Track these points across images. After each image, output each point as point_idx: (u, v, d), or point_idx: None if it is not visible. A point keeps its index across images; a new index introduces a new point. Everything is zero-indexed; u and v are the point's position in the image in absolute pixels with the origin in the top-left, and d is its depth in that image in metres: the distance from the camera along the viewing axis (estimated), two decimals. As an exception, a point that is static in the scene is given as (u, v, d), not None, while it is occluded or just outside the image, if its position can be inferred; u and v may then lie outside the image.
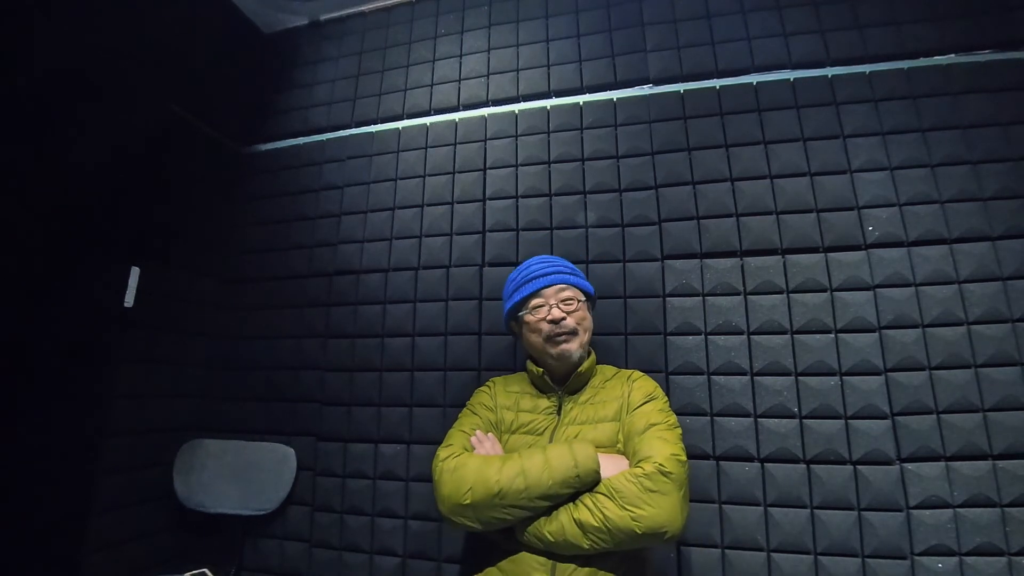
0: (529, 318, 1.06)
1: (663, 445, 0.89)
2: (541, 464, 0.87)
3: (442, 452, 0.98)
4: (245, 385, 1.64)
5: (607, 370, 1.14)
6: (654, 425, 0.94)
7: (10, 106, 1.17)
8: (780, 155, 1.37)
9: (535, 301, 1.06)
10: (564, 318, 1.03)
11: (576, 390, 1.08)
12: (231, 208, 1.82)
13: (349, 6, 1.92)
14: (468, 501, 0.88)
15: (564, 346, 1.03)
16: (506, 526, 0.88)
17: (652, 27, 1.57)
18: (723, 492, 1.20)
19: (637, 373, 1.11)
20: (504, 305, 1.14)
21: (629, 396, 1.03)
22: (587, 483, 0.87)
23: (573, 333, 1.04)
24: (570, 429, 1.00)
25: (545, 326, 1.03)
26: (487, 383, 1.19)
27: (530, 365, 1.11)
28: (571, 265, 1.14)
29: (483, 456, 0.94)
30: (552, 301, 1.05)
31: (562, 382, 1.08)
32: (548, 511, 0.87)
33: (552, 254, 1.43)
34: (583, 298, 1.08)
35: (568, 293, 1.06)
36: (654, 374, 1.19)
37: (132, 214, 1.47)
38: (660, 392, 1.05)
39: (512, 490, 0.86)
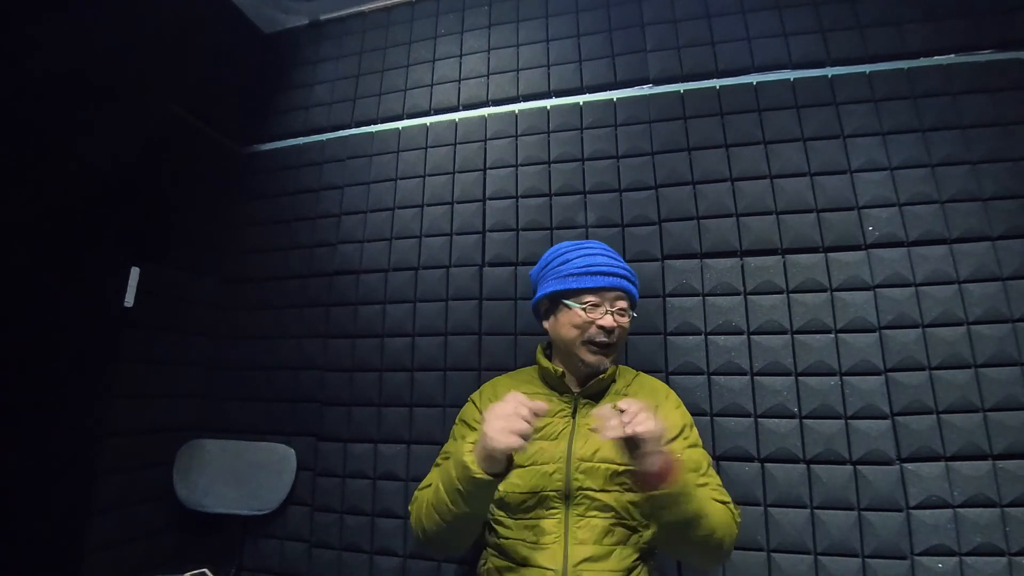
0: (579, 313, 0.95)
1: (727, 496, 0.88)
2: (437, 492, 0.82)
3: (414, 494, 0.95)
4: (245, 385, 1.64)
5: (626, 373, 1.08)
6: (700, 473, 0.89)
7: (10, 106, 1.17)
8: (780, 155, 1.37)
9: (592, 299, 0.95)
10: (615, 329, 0.95)
11: (594, 394, 1.00)
12: (231, 208, 1.81)
13: (349, 6, 1.92)
14: (436, 544, 0.87)
15: (598, 357, 0.96)
16: (468, 537, 0.88)
17: (652, 27, 1.57)
18: (723, 492, 1.20)
19: (660, 383, 1.06)
20: (544, 280, 1.02)
21: (664, 412, 0.96)
22: (477, 484, 0.76)
23: (613, 346, 0.96)
24: (591, 441, 0.92)
25: (593, 329, 0.94)
26: (481, 388, 1.09)
27: (544, 362, 1.02)
28: (630, 268, 1.03)
29: (432, 492, 0.85)
30: (609, 306, 0.95)
31: (580, 384, 1.01)
32: (468, 520, 0.82)
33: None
34: (634, 313, 1.01)
35: (624, 303, 0.97)
36: (654, 374, 1.19)
37: (132, 214, 1.47)
38: (690, 419, 1.00)
39: (442, 526, 0.82)
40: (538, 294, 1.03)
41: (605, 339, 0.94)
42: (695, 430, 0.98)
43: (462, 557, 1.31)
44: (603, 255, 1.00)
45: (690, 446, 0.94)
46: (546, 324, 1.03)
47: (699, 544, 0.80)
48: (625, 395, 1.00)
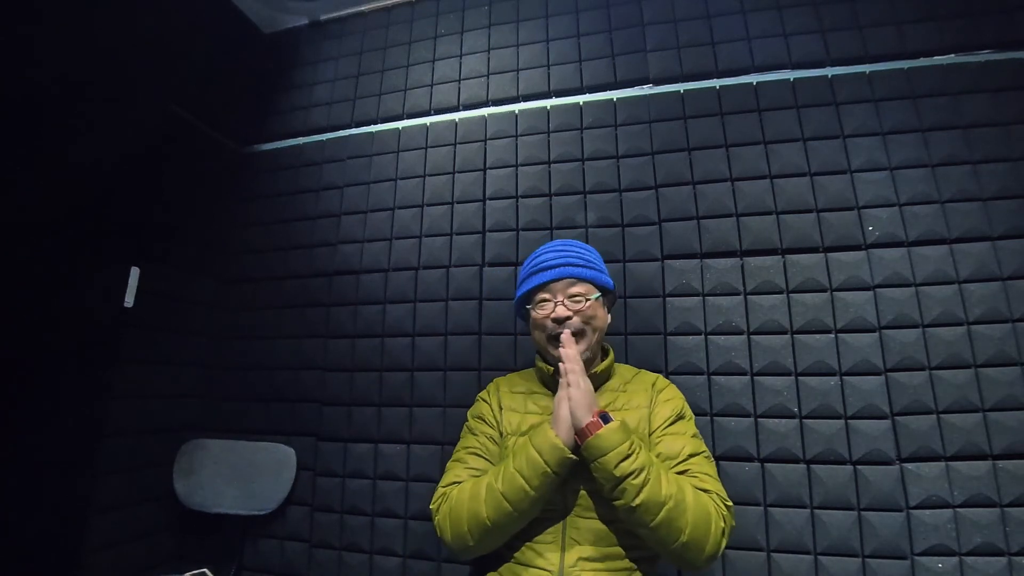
0: (534, 314, 0.98)
1: (717, 487, 0.86)
2: (513, 479, 0.83)
3: (437, 491, 0.93)
4: (245, 385, 1.64)
5: (625, 371, 1.06)
6: (693, 456, 0.89)
7: (10, 106, 1.17)
8: (780, 155, 1.37)
9: (541, 295, 0.97)
10: (569, 317, 0.94)
11: None
12: (231, 208, 1.81)
13: (349, 6, 1.92)
14: (474, 544, 0.85)
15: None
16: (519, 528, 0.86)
17: (652, 27, 1.57)
18: (723, 492, 1.20)
19: (661, 380, 1.04)
20: (515, 293, 1.06)
21: (654, 409, 0.96)
22: (566, 466, 0.82)
23: (579, 334, 0.95)
24: None
25: (549, 324, 0.95)
26: (488, 387, 1.11)
27: (539, 362, 1.04)
28: (588, 254, 1.02)
29: (471, 487, 0.87)
30: (559, 297, 0.95)
31: None
32: (538, 504, 0.84)
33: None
34: (596, 293, 0.97)
35: (578, 288, 0.96)
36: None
37: (132, 214, 1.47)
38: (688, 408, 0.99)
39: (503, 519, 0.82)
40: (515, 309, 1.08)
41: (560, 329, 0.94)
42: (689, 423, 0.96)
43: (459, 557, 1.31)
44: (549, 251, 1.01)
45: (671, 434, 0.92)
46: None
47: (659, 531, 0.78)
48: (623, 391, 1.00)
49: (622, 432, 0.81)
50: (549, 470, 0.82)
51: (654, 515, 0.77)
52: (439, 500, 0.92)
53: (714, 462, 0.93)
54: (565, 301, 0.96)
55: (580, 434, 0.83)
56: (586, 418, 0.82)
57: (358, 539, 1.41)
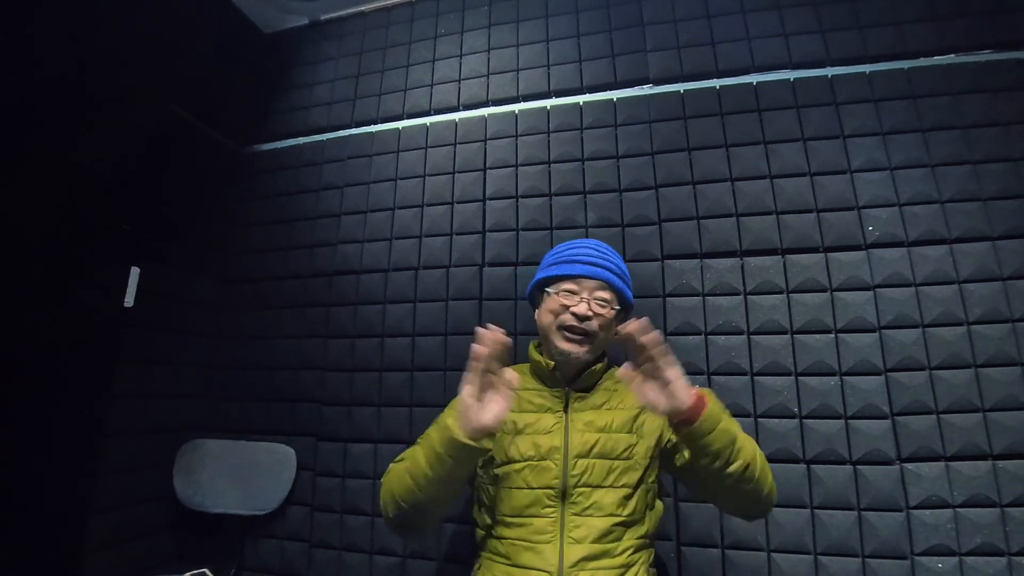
0: (554, 299, 0.96)
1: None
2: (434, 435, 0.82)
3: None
4: (245, 385, 1.64)
5: (615, 370, 1.05)
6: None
7: (10, 106, 1.17)
8: (780, 155, 1.37)
9: (569, 285, 0.96)
10: (590, 317, 0.93)
11: (585, 389, 1.00)
12: (231, 208, 1.81)
13: (349, 6, 1.92)
14: (392, 509, 0.85)
15: (571, 345, 0.94)
16: (433, 515, 0.87)
17: (652, 27, 1.57)
18: (723, 492, 1.20)
19: None
20: (537, 271, 1.05)
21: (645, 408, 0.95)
22: (469, 451, 0.77)
23: (591, 336, 0.94)
24: (587, 436, 0.92)
25: (566, 316, 0.94)
26: None
27: (536, 355, 1.02)
28: (625, 268, 1.03)
29: (409, 453, 0.88)
30: (586, 295, 0.95)
31: (571, 378, 0.99)
32: (445, 487, 0.81)
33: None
34: (618, 306, 0.98)
35: (606, 294, 0.95)
36: (654, 374, 1.19)
37: (132, 214, 1.47)
38: None
39: (414, 474, 0.81)
40: (530, 285, 1.06)
41: (578, 326, 0.93)
42: None
43: (459, 557, 1.31)
44: (591, 248, 1.01)
45: None
46: (536, 314, 1.04)
47: (739, 480, 0.78)
48: (615, 391, 1.00)
49: (713, 396, 0.81)
50: (448, 456, 0.79)
51: (758, 467, 0.80)
52: (386, 474, 0.91)
53: None
54: (592, 301, 0.95)
55: (690, 411, 0.75)
56: (688, 399, 0.75)
57: (358, 539, 1.41)
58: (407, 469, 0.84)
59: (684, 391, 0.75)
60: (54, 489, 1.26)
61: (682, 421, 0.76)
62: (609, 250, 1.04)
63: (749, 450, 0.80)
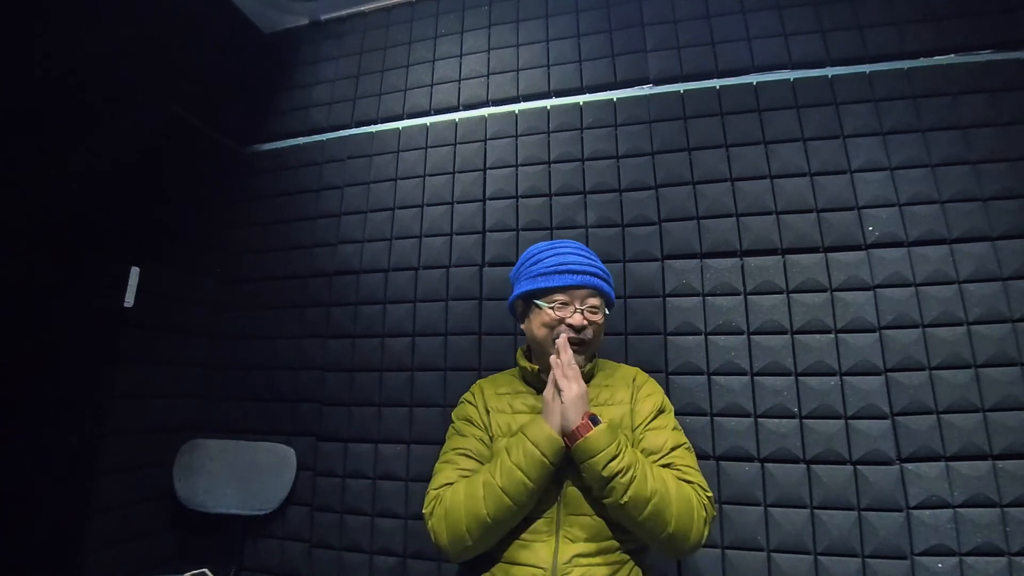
0: (548, 312, 0.95)
1: (698, 478, 0.88)
2: (512, 473, 0.83)
3: (429, 494, 0.92)
4: (245, 385, 1.64)
5: (606, 365, 1.07)
6: (675, 449, 0.91)
7: (11, 107, 1.17)
8: (780, 155, 1.37)
9: (561, 297, 0.95)
10: (586, 327, 0.95)
11: None
12: (231, 208, 1.82)
13: (349, 6, 1.92)
14: (472, 543, 0.85)
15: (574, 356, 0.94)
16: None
17: (652, 27, 1.57)
18: (723, 492, 1.20)
19: (641, 375, 1.05)
20: (518, 281, 1.02)
21: (635, 404, 0.97)
22: (561, 455, 0.85)
23: (588, 344, 0.96)
24: None
25: (562, 328, 0.95)
26: (471, 389, 1.09)
27: (523, 361, 1.03)
28: (604, 267, 1.03)
29: (466, 487, 0.87)
30: (579, 304, 0.95)
31: None
32: (535, 497, 0.85)
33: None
34: (606, 309, 0.99)
35: (596, 301, 0.96)
36: (654, 374, 1.18)
37: (132, 214, 1.47)
38: (667, 401, 1.00)
39: (503, 514, 0.83)
40: (512, 295, 1.04)
41: (576, 337, 0.95)
42: (669, 416, 0.98)
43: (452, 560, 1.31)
44: (575, 254, 1.00)
45: (653, 429, 0.94)
46: (522, 326, 1.04)
47: (647, 525, 0.81)
48: (607, 386, 1.01)
49: (610, 434, 0.83)
50: (547, 460, 0.83)
51: (641, 510, 0.80)
52: (432, 503, 0.91)
53: (694, 452, 0.95)
54: (585, 310, 0.96)
55: (570, 436, 0.85)
56: (576, 420, 0.84)
57: (358, 539, 1.41)
58: (488, 494, 0.84)
59: (573, 412, 0.85)
60: (54, 489, 1.26)
61: (567, 439, 0.85)
62: (590, 252, 1.04)
63: (647, 490, 0.81)
